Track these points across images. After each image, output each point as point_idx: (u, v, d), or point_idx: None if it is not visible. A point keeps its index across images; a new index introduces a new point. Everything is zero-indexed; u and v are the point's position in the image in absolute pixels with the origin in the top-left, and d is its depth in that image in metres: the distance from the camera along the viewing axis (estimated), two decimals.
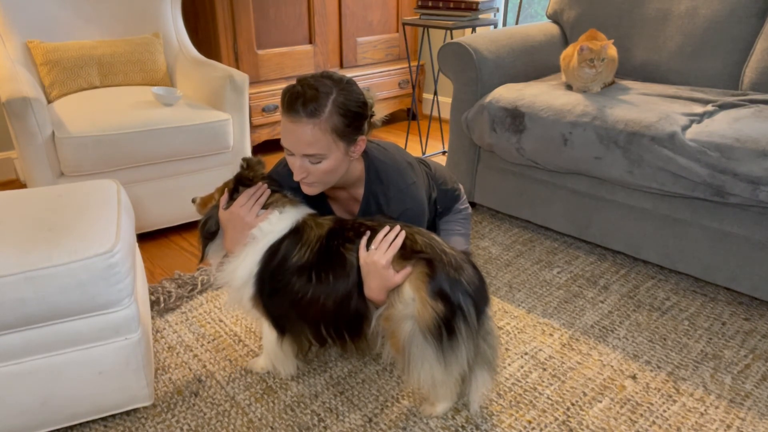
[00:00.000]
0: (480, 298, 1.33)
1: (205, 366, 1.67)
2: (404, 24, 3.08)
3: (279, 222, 1.44)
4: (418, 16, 3.15)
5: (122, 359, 1.37)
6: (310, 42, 3.34)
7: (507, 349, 1.73)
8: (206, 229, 1.53)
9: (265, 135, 3.23)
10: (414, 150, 3.39)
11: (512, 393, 1.56)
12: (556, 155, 2.09)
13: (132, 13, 2.68)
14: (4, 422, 1.31)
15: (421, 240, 1.35)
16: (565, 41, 2.73)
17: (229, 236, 1.47)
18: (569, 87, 2.25)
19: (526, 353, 1.72)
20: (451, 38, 2.87)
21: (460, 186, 1.92)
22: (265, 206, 1.46)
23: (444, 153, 3.38)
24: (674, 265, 2.01)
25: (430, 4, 2.99)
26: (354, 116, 1.37)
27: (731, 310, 1.92)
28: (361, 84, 1.44)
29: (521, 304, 1.95)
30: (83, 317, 1.30)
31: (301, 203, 1.50)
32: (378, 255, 1.31)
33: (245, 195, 1.46)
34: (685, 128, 1.85)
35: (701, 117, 1.91)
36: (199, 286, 2.03)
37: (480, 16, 3.00)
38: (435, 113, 4.11)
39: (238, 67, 3.06)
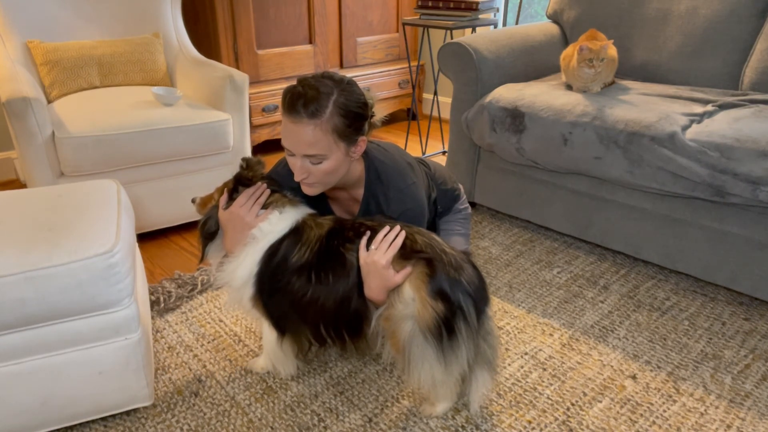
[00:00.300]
0: (480, 298, 1.33)
1: (205, 366, 1.67)
2: (404, 24, 3.08)
3: (279, 222, 1.44)
4: (418, 16, 3.15)
5: (122, 359, 1.37)
6: (310, 42, 3.34)
7: (507, 349, 1.73)
8: (206, 229, 1.53)
9: (265, 135, 3.23)
10: (414, 150, 3.39)
11: (512, 393, 1.56)
12: (556, 155, 2.09)
13: (132, 13, 2.68)
14: (4, 422, 1.31)
15: (421, 240, 1.35)
16: (565, 41, 2.73)
17: (228, 236, 1.47)
18: (569, 87, 2.25)
19: (526, 353, 1.72)
20: (451, 38, 2.87)
21: (460, 186, 1.92)
22: (264, 206, 1.46)
23: (444, 153, 3.38)
24: (674, 265, 2.01)
25: (430, 4, 2.99)
26: (355, 117, 1.37)
27: (731, 310, 1.92)
28: (361, 84, 1.44)
29: (521, 304, 1.95)
30: (83, 317, 1.30)
31: (301, 203, 1.50)
32: (378, 255, 1.31)
33: (245, 195, 1.46)
34: (685, 128, 1.85)
35: (701, 117, 1.91)
36: (199, 286, 2.03)
37: (480, 16, 3.00)
38: (435, 113, 4.12)
39: (238, 67, 3.06)
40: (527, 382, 1.60)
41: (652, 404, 1.52)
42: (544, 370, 1.65)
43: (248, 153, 2.53)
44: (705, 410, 1.50)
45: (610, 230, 2.13)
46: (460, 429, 1.44)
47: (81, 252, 1.26)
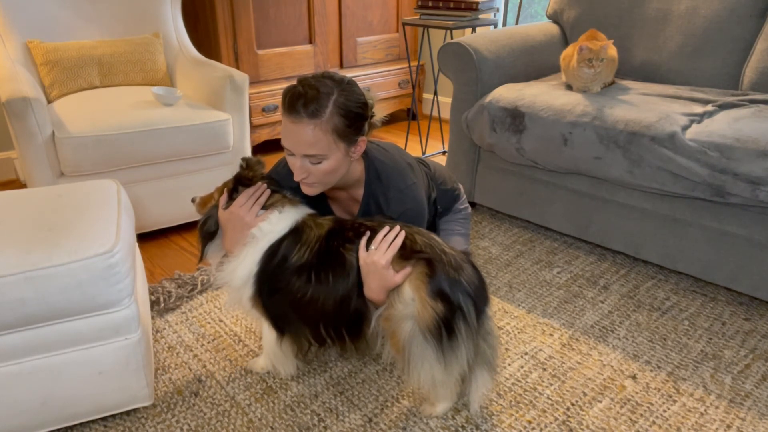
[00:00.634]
0: (480, 298, 1.33)
1: (205, 366, 1.67)
2: (404, 24, 3.08)
3: (279, 222, 1.44)
4: (418, 16, 3.15)
5: (122, 359, 1.37)
6: (310, 42, 3.34)
7: (507, 349, 1.73)
8: (205, 229, 1.53)
9: (265, 135, 3.23)
10: (414, 150, 3.39)
11: (512, 393, 1.56)
12: (556, 155, 2.09)
13: (132, 13, 2.68)
14: (4, 422, 1.31)
15: (421, 240, 1.35)
16: (565, 41, 2.73)
17: (228, 236, 1.47)
18: (569, 87, 2.25)
19: (526, 353, 1.72)
20: (451, 38, 2.87)
21: (460, 186, 1.92)
22: (264, 206, 1.46)
23: (444, 153, 3.38)
24: (674, 265, 2.01)
25: (430, 4, 2.99)
26: (355, 117, 1.37)
27: (731, 310, 1.92)
28: (361, 84, 1.44)
29: (521, 304, 1.95)
30: (83, 317, 1.30)
31: (300, 203, 1.50)
32: (378, 255, 1.31)
33: (245, 195, 1.46)
34: (685, 128, 1.85)
35: (701, 117, 1.91)
36: (199, 286, 2.03)
37: (480, 16, 3.00)
38: (435, 113, 4.12)
39: (238, 67, 3.06)
40: (527, 382, 1.60)
41: (652, 404, 1.52)
42: (544, 370, 1.65)
43: (248, 153, 2.53)
44: (705, 410, 1.50)
45: (610, 230, 2.13)
46: (460, 429, 1.44)
47: (81, 252, 1.26)
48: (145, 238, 2.39)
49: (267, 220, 1.44)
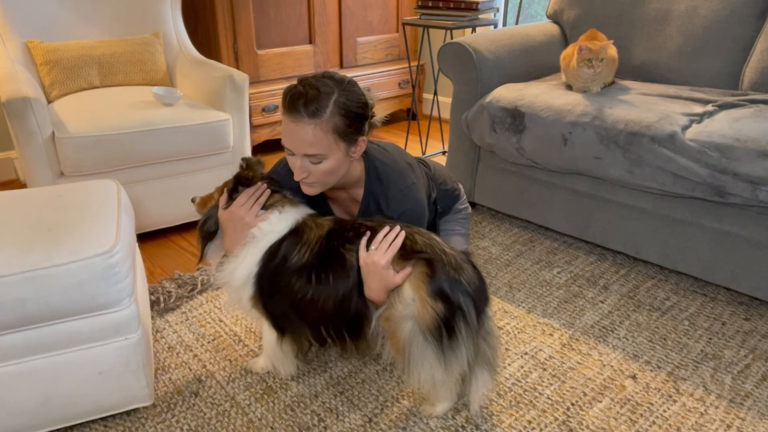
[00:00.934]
0: (480, 298, 1.33)
1: (205, 366, 1.67)
2: (404, 24, 3.08)
3: (279, 222, 1.44)
4: (418, 16, 3.15)
5: (122, 359, 1.37)
6: (310, 42, 3.34)
7: (507, 349, 1.73)
8: (205, 229, 1.53)
9: (265, 135, 3.23)
10: (414, 150, 3.39)
11: (512, 393, 1.56)
12: (556, 155, 2.09)
13: (132, 13, 2.68)
14: (4, 422, 1.31)
15: (421, 240, 1.35)
16: (565, 41, 2.73)
17: (228, 236, 1.47)
18: (569, 87, 2.25)
19: (526, 353, 1.72)
20: (451, 38, 2.87)
21: (460, 186, 1.92)
22: (264, 206, 1.46)
23: (444, 153, 3.38)
24: (674, 265, 2.01)
25: (430, 4, 2.99)
26: (355, 117, 1.37)
27: (731, 310, 1.92)
28: (361, 84, 1.44)
29: (521, 304, 1.95)
30: (83, 317, 1.30)
31: (300, 203, 1.50)
32: (378, 255, 1.31)
33: (245, 195, 1.46)
34: (685, 128, 1.85)
35: (701, 117, 1.91)
36: (199, 286, 2.03)
37: (480, 16, 3.00)
38: (435, 113, 4.11)
39: (238, 67, 3.06)
40: (527, 382, 1.60)
41: (652, 404, 1.52)
42: (544, 370, 1.65)
43: (248, 153, 2.53)
44: (705, 410, 1.50)
45: (610, 230, 2.13)
46: (460, 429, 1.44)
47: (81, 252, 1.26)
48: (145, 238, 2.39)
49: (267, 220, 1.44)
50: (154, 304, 1.92)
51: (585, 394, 1.56)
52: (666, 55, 2.37)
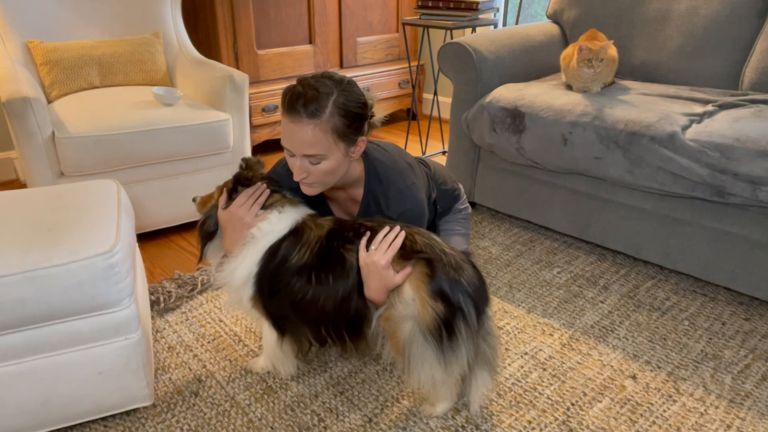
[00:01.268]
0: (480, 299, 1.33)
1: (205, 366, 1.67)
2: (404, 24, 3.08)
3: (278, 222, 1.44)
4: (418, 16, 3.15)
5: (122, 359, 1.37)
6: (310, 42, 3.34)
7: (507, 349, 1.73)
8: (205, 229, 1.53)
9: (265, 135, 3.23)
10: (414, 150, 3.39)
11: (512, 393, 1.56)
12: (556, 155, 2.09)
13: (132, 13, 2.68)
14: (4, 422, 1.31)
15: (421, 240, 1.35)
16: (565, 41, 2.73)
17: (228, 236, 1.47)
18: (569, 87, 2.25)
19: (526, 353, 1.72)
20: (451, 38, 2.87)
21: (460, 186, 1.92)
22: (264, 206, 1.46)
23: (444, 153, 3.38)
24: (674, 265, 2.01)
25: (430, 4, 2.99)
26: (354, 117, 1.37)
27: (731, 310, 1.92)
28: (361, 84, 1.44)
29: (521, 304, 1.95)
30: (83, 317, 1.30)
31: (300, 203, 1.50)
32: (378, 255, 1.31)
33: (244, 195, 1.46)
34: (685, 128, 1.85)
35: (701, 117, 1.91)
36: (199, 286, 2.03)
37: (480, 16, 3.00)
38: (435, 113, 4.11)
39: (238, 67, 3.06)
40: (527, 382, 1.60)
41: (652, 404, 1.52)
42: (544, 370, 1.65)
43: (248, 153, 2.53)
44: (705, 410, 1.50)
45: (610, 230, 2.13)
46: (460, 429, 1.44)
47: (81, 252, 1.26)
48: (145, 238, 2.39)
49: (266, 220, 1.44)
50: (154, 304, 1.92)
51: (585, 394, 1.56)
52: (666, 55, 2.37)
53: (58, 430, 1.44)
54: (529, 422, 1.47)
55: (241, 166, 1.54)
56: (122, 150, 2.12)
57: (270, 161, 3.06)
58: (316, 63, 3.38)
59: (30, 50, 2.42)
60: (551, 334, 1.80)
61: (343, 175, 1.46)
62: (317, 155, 1.36)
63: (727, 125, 1.80)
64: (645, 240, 2.05)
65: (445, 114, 4.04)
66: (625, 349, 1.73)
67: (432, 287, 1.27)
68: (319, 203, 1.61)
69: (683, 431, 1.44)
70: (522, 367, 1.66)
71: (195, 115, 2.27)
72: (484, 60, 2.36)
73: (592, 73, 2.12)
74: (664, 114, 1.89)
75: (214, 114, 2.32)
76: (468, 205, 1.91)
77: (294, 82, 1.38)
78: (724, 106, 1.98)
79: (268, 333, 1.53)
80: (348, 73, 3.47)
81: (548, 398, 1.54)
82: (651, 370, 1.64)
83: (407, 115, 4.13)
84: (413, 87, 3.32)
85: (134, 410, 1.51)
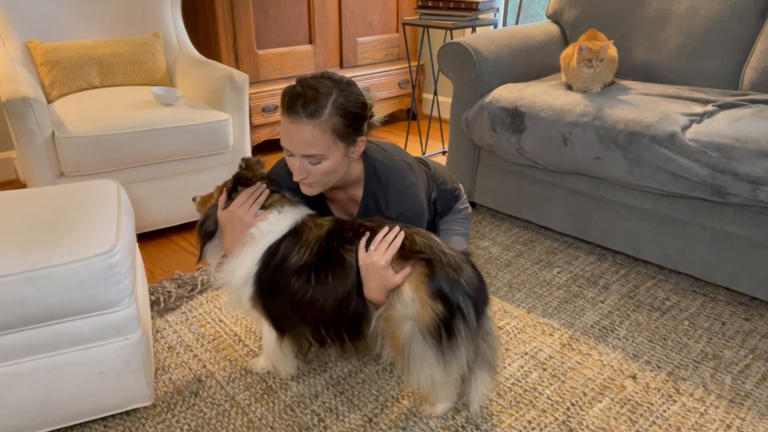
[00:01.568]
0: (479, 299, 1.33)
1: (205, 366, 1.67)
2: (404, 24, 3.08)
3: (278, 222, 1.44)
4: (418, 16, 3.15)
5: (122, 359, 1.37)
6: (310, 42, 3.34)
7: (507, 349, 1.73)
8: (204, 229, 1.53)
9: (265, 135, 3.23)
10: (414, 150, 3.39)
11: (512, 393, 1.56)
12: (556, 155, 2.09)
13: (132, 13, 2.68)
14: (4, 422, 1.31)
15: (420, 240, 1.35)
16: (565, 41, 2.73)
17: (227, 236, 1.47)
18: (569, 87, 2.25)
19: (526, 353, 1.72)
20: (451, 38, 2.87)
21: (460, 186, 1.92)
22: (264, 206, 1.46)
23: (444, 153, 3.38)
24: (674, 265, 2.01)
25: (430, 4, 2.99)
26: (354, 117, 1.37)
27: (731, 310, 1.92)
28: (361, 84, 1.44)
29: (521, 304, 1.95)
30: (83, 317, 1.30)
31: (300, 204, 1.50)
32: (377, 255, 1.31)
33: (244, 195, 1.46)
34: (685, 128, 1.85)
35: (701, 117, 1.91)
36: (199, 286, 2.03)
37: (480, 16, 3.00)
38: (435, 113, 4.11)
39: (238, 67, 3.06)
40: (527, 382, 1.60)
41: (652, 404, 1.52)
42: (544, 370, 1.65)
43: (248, 153, 2.53)
44: (705, 410, 1.50)
45: (610, 230, 2.13)
46: (460, 429, 1.44)
47: (81, 252, 1.26)
48: (145, 238, 2.39)
49: (266, 220, 1.44)
50: (154, 304, 1.92)
51: (585, 394, 1.56)
52: (666, 55, 2.37)
53: (58, 430, 1.44)
54: (529, 422, 1.47)
55: (240, 166, 1.55)
56: (122, 150, 2.12)
57: (270, 161, 3.06)
58: (316, 63, 3.38)
59: (30, 50, 2.42)
60: (551, 334, 1.80)
61: (343, 175, 1.46)
62: (317, 155, 1.36)
63: (727, 125, 1.80)
64: (645, 240, 2.05)
65: (445, 114, 4.04)
66: (625, 349, 1.73)
67: (431, 287, 1.27)
68: (318, 203, 1.61)
69: (683, 431, 1.44)
70: (522, 367, 1.66)
71: (195, 115, 2.27)
72: (484, 60, 2.36)
73: (592, 73, 2.12)
74: (664, 114, 1.89)
75: (214, 114, 2.32)
76: (468, 205, 1.91)
77: (294, 83, 1.38)
78: (724, 106, 1.98)
79: (268, 333, 1.53)
80: (348, 73, 3.47)
81: (548, 398, 1.54)
82: (651, 370, 1.64)
83: (407, 115, 4.13)
84: (413, 87, 3.32)
85: (134, 410, 1.51)
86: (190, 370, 1.65)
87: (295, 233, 1.42)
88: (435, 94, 3.29)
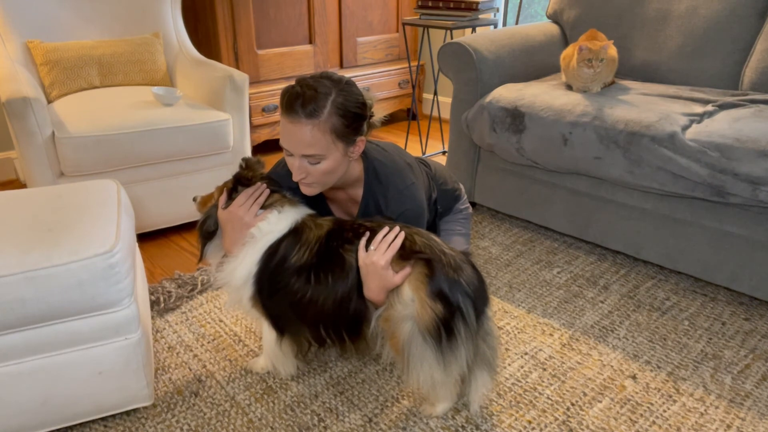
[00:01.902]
0: (479, 299, 1.33)
1: (205, 366, 1.67)
2: (404, 24, 3.08)
3: (278, 222, 1.44)
4: (418, 16, 3.15)
5: (122, 359, 1.37)
6: (310, 42, 3.34)
7: (507, 349, 1.73)
8: (204, 229, 1.53)
9: (265, 135, 3.23)
10: (414, 150, 3.39)
11: (512, 393, 1.56)
12: (556, 155, 2.09)
13: (132, 13, 2.68)
14: (4, 422, 1.31)
15: (420, 240, 1.35)
16: (565, 41, 2.73)
17: (227, 236, 1.47)
18: (569, 87, 2.25)
19: (526, 353, 1.72)
20: (451, 38, 2.87)
21: (461, 186, 1.92)
22: (264, 206, 1.46)
23: (444, 153, 3.38)
24: (674, 265, 2.00)
25: (430, 4, 2.99)
26: (353, 117, 1.37)
27: (731, 310, 1.92)
28: (361, 84, 1.44)
29: (521, 304, 1.95)
30: (83, 317, 1.30)
31: (300, 203, 1.50)
32: (377, 256, 1.31)
33: (244, 195, 1.46)
34: (685, 128, 1.85)
35: (701, 117, 1.91)
36: (199, 286, 2.03)
37: (480, 16, 3.00)
38: (435, 113, 4.11)
39: (238, 67, 3.06)
40: (527, 382, 1.60)
41: (652, 404, 1.52)
42: (544, 370, 1.65)
43: (248, 153, 2.53)
44: (705, 410, 1.50)
45: (610, 230, 2.13)
46: (460, 429, 1.44)
47: (81, 252, 1.26)
48: (145, 238, 2.39)
49: (266, 219, 1.44)
50: (154, 304, 1.92)
51: (585, 394, 1.56)
52: (666, 55, 2.37)
53: (58, 430, 1.44)
54: (529, 422, 1.47)
55: (241, 166, 1.55)
56: (122, 150, 2.12)
57: (270, 161, 3.06)
58: (316, 63, 3.38)
59: (30, 50, 2.42)
60: (551, 334, 1.80)
61: (343, 175, 1.46)
62: (316, 155, 1.36)
63: (727, 125, 1.80)
64: (645, 240, 2.05)
65: (445, 114, 4.04)
66: (625, 349, 1.73)
67: (431, 288, 1.27)
68: (318, 203, 1.61)
69: (683, 431, 1.44)
70: (522, 367, 1.66)
71: (195, 115, 2.27)
72: (484, 60, 2.36)
73: (592, 73, 2.12)
74: (664, 114, 1.89)
75: (214, 114, 2.32)
76: (468, 205, 1.91)
77: (293, 83, 1.38)
78: (724, 106, 1.98)
79: (268, 333, 1.53)
80: (348, 73, 3.47)
81: (548, 398, 1.54)
82: (651, 370, 1.64)
83: (407, 115, 4.13)
84: (413, 87, 3.32)
85: (134, 410, 1.51)
86: (190, 370, 1.65)
87: (295, 233, 1.42)
88: (435, 94, 3.29)
